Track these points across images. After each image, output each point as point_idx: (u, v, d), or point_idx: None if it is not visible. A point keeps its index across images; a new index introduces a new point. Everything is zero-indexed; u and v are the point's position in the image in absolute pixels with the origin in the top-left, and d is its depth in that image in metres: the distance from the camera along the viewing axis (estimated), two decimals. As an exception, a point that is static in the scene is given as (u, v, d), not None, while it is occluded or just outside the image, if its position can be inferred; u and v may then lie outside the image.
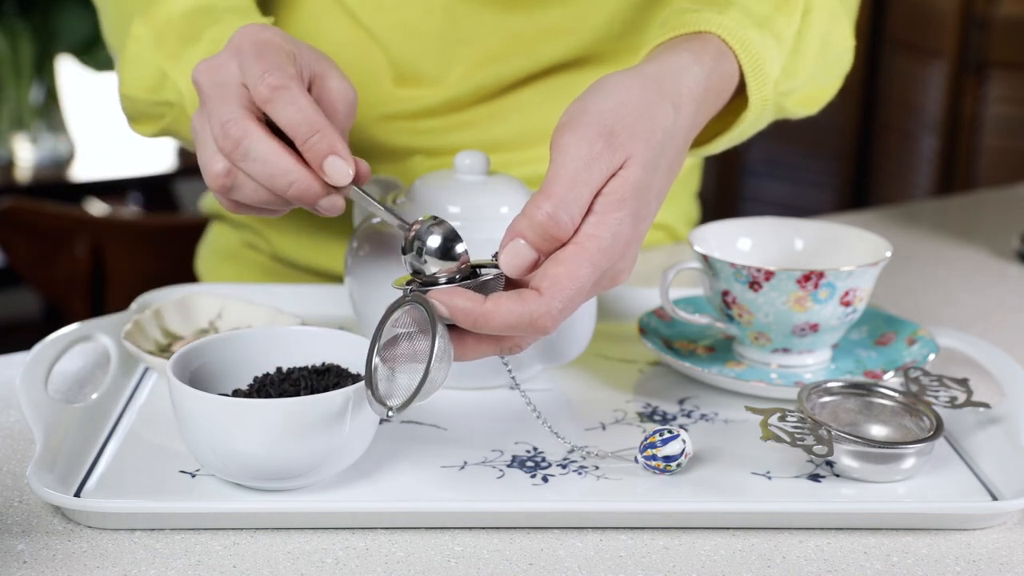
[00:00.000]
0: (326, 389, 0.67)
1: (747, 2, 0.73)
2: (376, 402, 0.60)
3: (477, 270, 0.62)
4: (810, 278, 0.75)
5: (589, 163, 0.60)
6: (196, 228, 1.60)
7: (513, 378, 0.69)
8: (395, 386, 0.61)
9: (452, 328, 0.61)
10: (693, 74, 0.67)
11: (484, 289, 0.60)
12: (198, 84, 0.65)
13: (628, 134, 0.61)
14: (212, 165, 0.64)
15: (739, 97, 0.73)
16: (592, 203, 0.61)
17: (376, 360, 0.61)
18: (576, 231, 0.60)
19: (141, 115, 0.82)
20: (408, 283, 0.61)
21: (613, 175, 0.61)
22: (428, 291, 0.59)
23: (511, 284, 0.61)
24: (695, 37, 0.70)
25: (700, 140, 0.78)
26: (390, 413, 0.60)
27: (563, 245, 0.60)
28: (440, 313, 0.59)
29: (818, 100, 0.83)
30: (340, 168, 0.62)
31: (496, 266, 0.61)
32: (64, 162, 2.54)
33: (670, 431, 0.66)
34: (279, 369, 0.70)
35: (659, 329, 0.85)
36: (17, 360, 0.83)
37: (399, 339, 0.61)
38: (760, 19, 0.72)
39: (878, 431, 0.69)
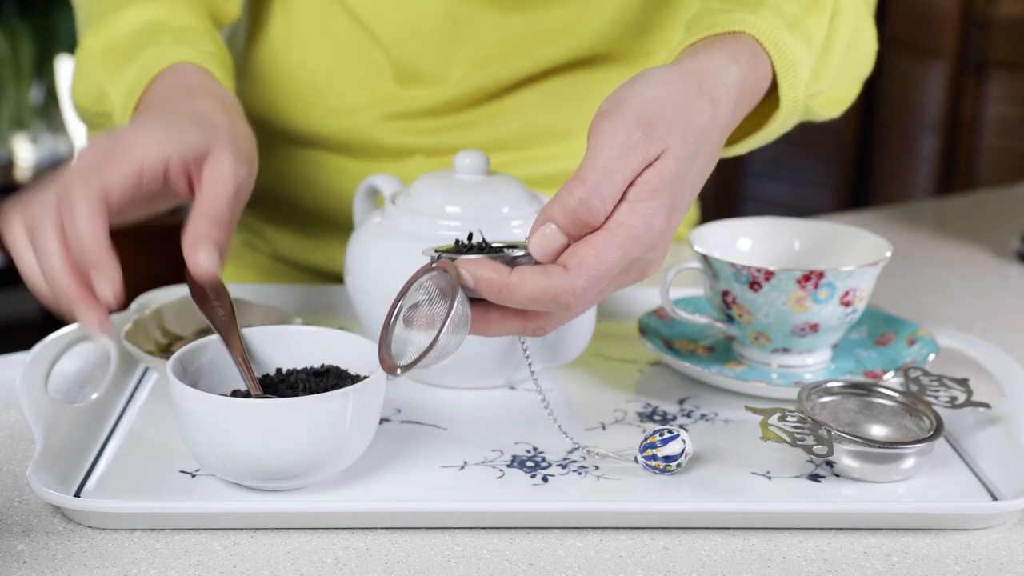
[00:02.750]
0: (325, 390, 0.67)
1: (778, 3, 0.73)
2: (386, 360, 0.61)
3: (506, 250, 0.62)
4: (810, 278, 0.75)
5: (625, 152, 0.60)
6: (196, 228, 1.59)
7: (529, 364, 0.70)
8: (409, 350, 0.61)
9: (478, 303, 0.61)
10: (731, 73, 0.67)
11: (512, 267, 0.60)
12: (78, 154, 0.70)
13: (666, 126, 0.61)
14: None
15: (767, 98, 0.74)
16: (625, 192, 0.61)
17: (395, 321, 0.62)
18: (608, 218, 0.60)
19: (87, 122, 0.87)
20: (439, 253, 0.62)
21: (649, 165, 0.61)
22: (455, 260, 0.60)
23: None
24: (730, 37, 0.70)
25: (728, 140, 0.78)
26: (398, 372, 0.60)
27: (594, 231, 0.60)
28: (464, 281, 0.59)
29: (843, 102, 0.83)
30: (103, 282, 0.66)
31: (526, 248, 0.62)
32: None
33: (670, 431, 0.66)
34: (279, 370, 0.70)
35: (659, 329, 0.85)
36: (17, 360, 0.83)
37: (420, 304, 0.62)
38: (791, 21, 0.72)
39: (878, 431, 0.69)
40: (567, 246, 0.61)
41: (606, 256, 0.59)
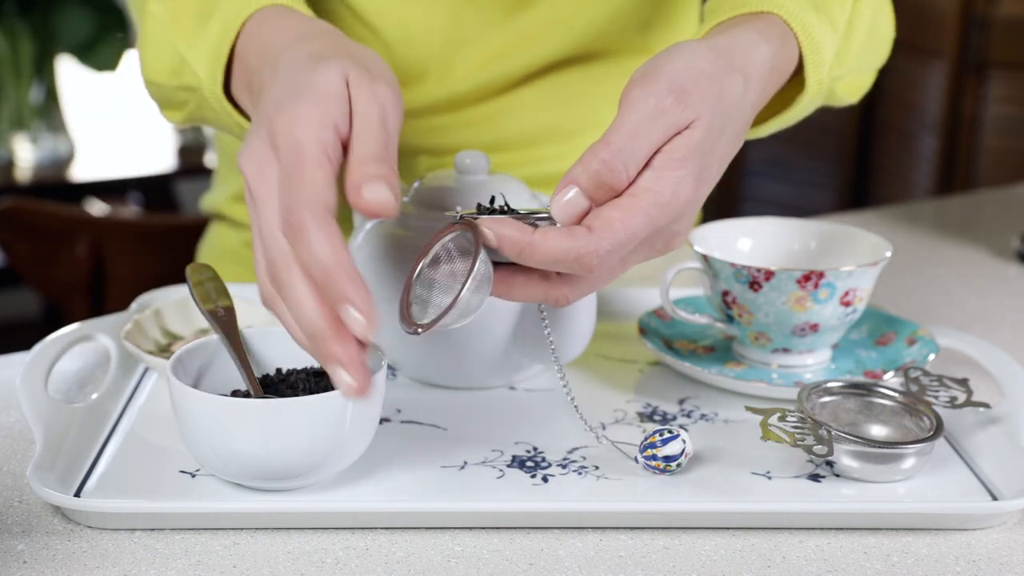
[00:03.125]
0: (325, 390, 0.67)
1: None
2: (408, 319, 0.61)
3: (529, 215, 0.62)
4: (810, 278, 0.75)
5: (654, 117, 0.60)
6: (196, 228, 1.60)
7: (551, 341, 0.70)
8: (430, 310, 0.61)
9: (502, 266, 0.61)
10: (762, 52, 0.67)
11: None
12: (244, 175, 0.61)
13: (699, 94, 0.61)
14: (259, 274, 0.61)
15: (792, 80, 0.74)
16: (652, 159, 0.60)
17: (415, 281, 0.62)
18: (633, 183, 0.60)
19: (166, 101, 0.79)
20: (461, 214, 0.62)
21: (677, 133, 0.60)
22: (478, 219, 0.60)
23: None
24: (758, 17, 0.70)
25: (753, 121, 0.79)
26: (419, 330, 0.60)
27: (619, 196, 0.60)
28: (487, 240, 0.59)
29: (862, 87, 0.83)
30: (354, 319, 0.57)
31: (549, 215, 0.61)
32: (64, 162, 2.54)
33: (670, 431, 0.66)
34: (279, 370, 0.70)
35: (659, 329, 0.85)
36: (17, 360, 0.83)
37: (441, 263, 0.62)
38: (816, 3, 0.73)
39: (878, 431, 0.69)
40: (589, 210, 0.60)
41: (631, 220, 0.59)
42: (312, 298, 0.58)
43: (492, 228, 0.59)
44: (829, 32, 0.73)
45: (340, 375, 0.58)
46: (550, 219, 0.61)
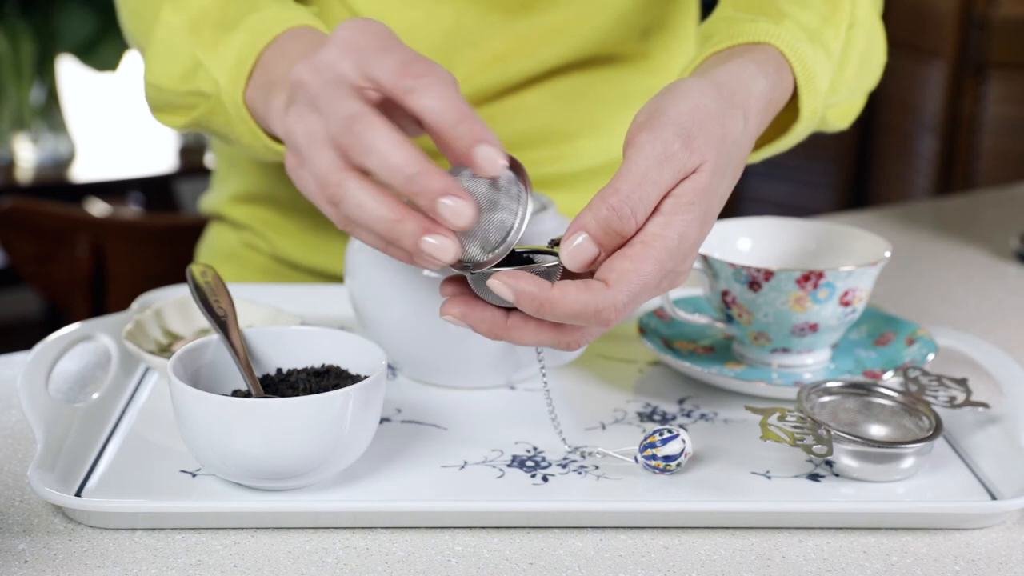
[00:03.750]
0: (325, 390, 0.67)
1: (798, 13, 0.73)
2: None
3: (532, 257, 0.62)
4: (809, 278, 0.75)
5: (662, 162, 0.60)
6: (197, 228, 1.60)
7: (542, 366, 0.70)
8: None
9: (514, 311, 0.61)
10: (759, 85, 0.67)
11: (547, 278, 0.60)
12: (303, 83, 0.61)
13: (704, 138, 0.61)
14: (326, 173, 0.60)
15: (785, 109, 0.74)
16: (660, 204, 0.60)
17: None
18: (642, 229, 0.60)
19: (169, 105, 0.80)
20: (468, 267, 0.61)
21: (685, 178, 0.61)
22: (493, 272, 0.60)
23: (567, 276, 0.61)
24: (755, 47, 0.71)
25: None
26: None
27: (628, 242, 0.60)
28: (504, 294, 0.59)
29: (852, 112, 0.83)
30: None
31: (554, 254, 0.61)
32: (65, 162, 2.54)
33: (670, 431, 0.66)
34: (279, 370, 0.70)
35: (659, 329, 0.85)
36: (18, 360, 0.83)
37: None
38: (812, 32, 0.73)
39: (877, 431, 0.69)
40: (598, 257, 0.60)
41: (644, 269, 0.59)
42: (375, 197, 0.58)
43: (510, 284, 0.59)
44: (824, 60, 0.73)
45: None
46: (558, 263, 0.61)
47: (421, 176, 0.57)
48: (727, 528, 0.63)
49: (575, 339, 0.62)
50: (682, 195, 0.60)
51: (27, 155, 2.51)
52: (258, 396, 0.66)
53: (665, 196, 0.60)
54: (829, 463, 0.68)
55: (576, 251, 0.60)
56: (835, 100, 0.77)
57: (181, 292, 0.87)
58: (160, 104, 0.80)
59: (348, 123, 0.59)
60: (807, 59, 0.71)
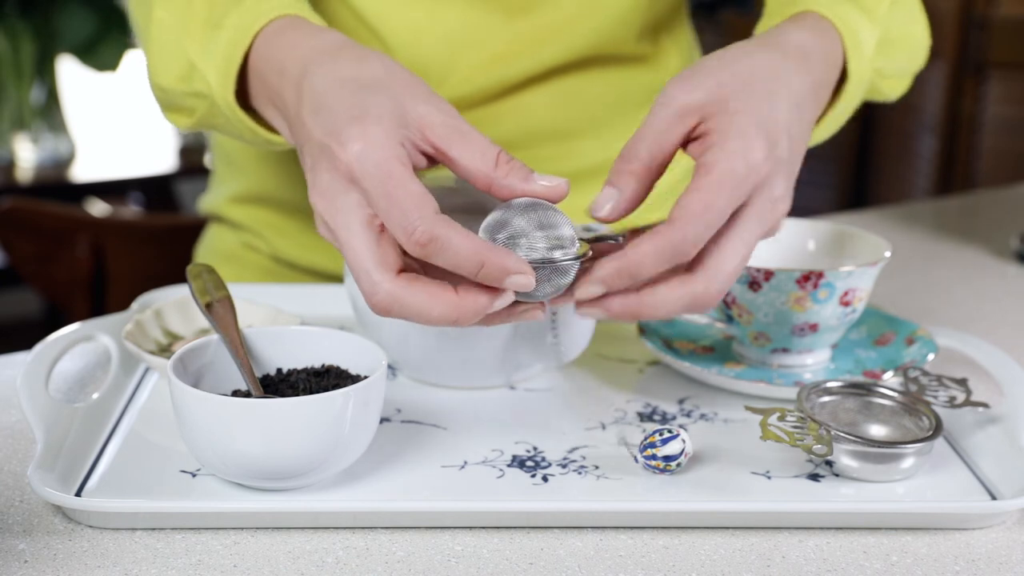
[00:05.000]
0: (325, 390, 0.67)
1: None
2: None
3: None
4: (809, 278, 0.75)
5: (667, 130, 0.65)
6: (196, 228, 1.60)
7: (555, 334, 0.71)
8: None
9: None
10: (792, 33, 0.71)
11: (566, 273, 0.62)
12: (317, 211, 0.63)
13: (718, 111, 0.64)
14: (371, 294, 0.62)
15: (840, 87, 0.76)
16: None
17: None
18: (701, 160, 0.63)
19: (174, 105, 0.79)
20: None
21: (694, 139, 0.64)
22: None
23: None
24: (795, 16, 0.74)
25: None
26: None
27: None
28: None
29: (901, 86, 0.85)
30: (521, 283, 0.60)
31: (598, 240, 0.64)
32: (65, 162, 2.54)
33: (670, 431, 0.66)
34: (279, 370, 0.70)
35: (659, 329, 0.85)
36: (18, 360, 0.83)
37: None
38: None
39: (877, 431, 0.69)
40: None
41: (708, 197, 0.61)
42: (432, 299, 0.60)
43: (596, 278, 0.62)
44: (865, 21, 0.75)
45: (515, 281, 0.60)
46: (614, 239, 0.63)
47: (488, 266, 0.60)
48: (727, 528, 0.63)
49: (704, 288, 0.63)
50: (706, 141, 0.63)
51: (27, 155, 2.51)
52: (258, 396, 0.66)
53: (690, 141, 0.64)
54: (829, 463, 0.68)
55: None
56: (885, 64, 0.79)
57: (181, 292, 0.87)
58: (167, 104, 0.80)
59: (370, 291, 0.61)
60: (848, 18, 0.74)
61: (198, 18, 0.75)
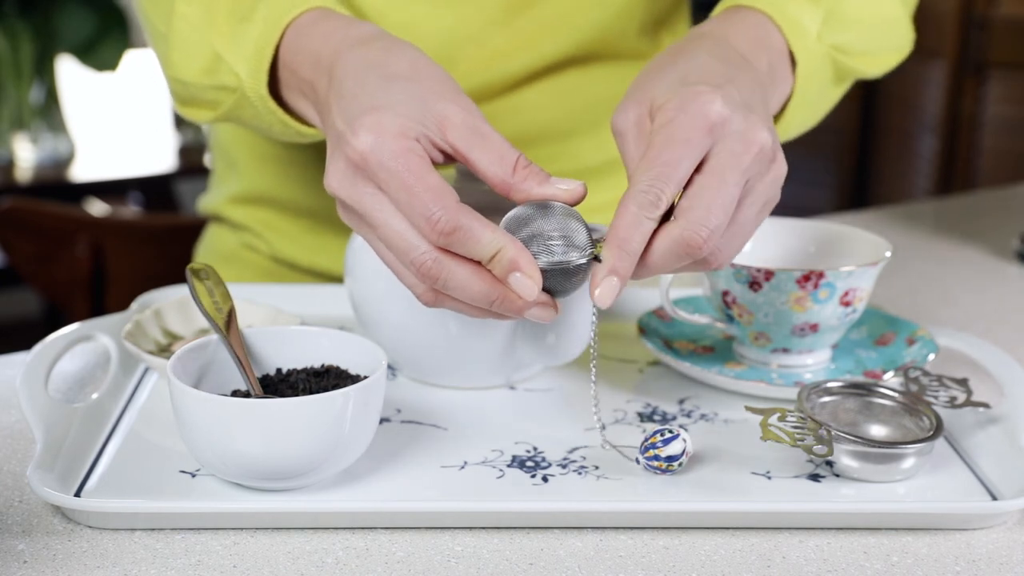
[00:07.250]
0: (325, 390, 0.67)
1: None
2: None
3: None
4: (810, 278, 0.75)
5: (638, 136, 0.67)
6: (196, 228, 1.60)
7: (594, 339, 0.71)
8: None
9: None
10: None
11: (576, 273, 0.63)
12: (337, 196, 0.64)
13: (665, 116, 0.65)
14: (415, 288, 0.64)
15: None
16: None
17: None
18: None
19: (195, 99, 0.79)
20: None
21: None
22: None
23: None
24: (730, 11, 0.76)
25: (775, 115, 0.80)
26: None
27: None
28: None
29: (882, 62, 0.87)
30: (524, 285, 0.61)
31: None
32: (64, 162, 2.54)
33: (670, 431, 0.66)
34: (279, 370, 0.70)
35: (659, 329, 0.85)
36: (17, 360, 0.83)
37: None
38: None
39: (878, 431, 0.69)
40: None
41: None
42: (475, 275, 0.61)
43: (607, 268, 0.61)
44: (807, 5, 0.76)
45: (534, 313, 0.62)
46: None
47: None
48: (727, 528, 0.63)
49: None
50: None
51: (26, 155, 2.51)
52: (258, 396, 0.66)
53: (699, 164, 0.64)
54: (829, 463, 0.68)
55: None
56: (843, 40, 0.79)
57: (181, 292, 0.87)
58: (186, 98, 0.80)
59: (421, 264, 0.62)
60: (784, 6, 0.76)
61: (223, 11, 0.75)
